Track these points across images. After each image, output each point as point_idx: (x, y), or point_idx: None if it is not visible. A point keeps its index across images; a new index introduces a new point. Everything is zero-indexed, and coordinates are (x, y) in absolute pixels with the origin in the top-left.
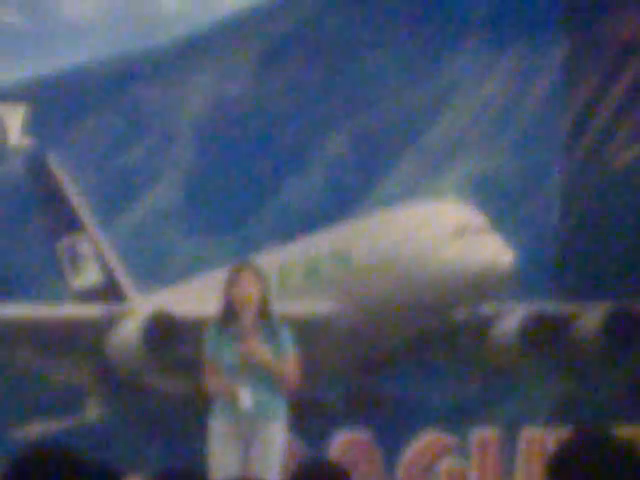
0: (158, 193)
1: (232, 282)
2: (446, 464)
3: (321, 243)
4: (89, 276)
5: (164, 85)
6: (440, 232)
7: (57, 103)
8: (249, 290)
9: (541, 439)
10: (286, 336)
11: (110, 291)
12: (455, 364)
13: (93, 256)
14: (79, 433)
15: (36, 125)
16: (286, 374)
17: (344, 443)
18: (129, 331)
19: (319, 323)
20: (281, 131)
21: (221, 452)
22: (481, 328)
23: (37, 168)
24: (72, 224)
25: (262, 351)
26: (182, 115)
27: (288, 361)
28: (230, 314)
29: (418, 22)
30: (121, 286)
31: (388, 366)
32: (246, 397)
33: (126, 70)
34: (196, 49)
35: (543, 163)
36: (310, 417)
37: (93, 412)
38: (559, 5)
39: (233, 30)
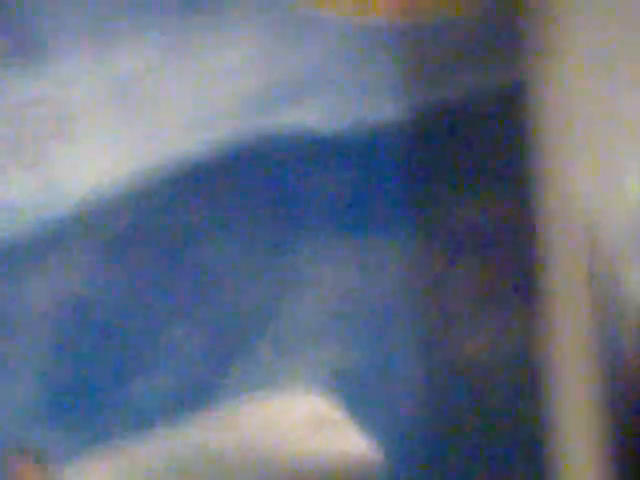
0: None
1: None
2: None
3: (183, 439)
4: None
5: (6, 282)
6: (297, 425)
7: None
8: None
9: None
10: None
11: None
12: None
13: None
14: None
15: None
16: None
17: None
18: None
19: None
20: (124, 324)
21: None
22: None
23: None
24: None
25: None
26: (31, 309)
27: None
28: None
29: (261, 207)
30: None
31: None
32: None
33: None
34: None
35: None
36: None
37: None
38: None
39: (76, 221)
